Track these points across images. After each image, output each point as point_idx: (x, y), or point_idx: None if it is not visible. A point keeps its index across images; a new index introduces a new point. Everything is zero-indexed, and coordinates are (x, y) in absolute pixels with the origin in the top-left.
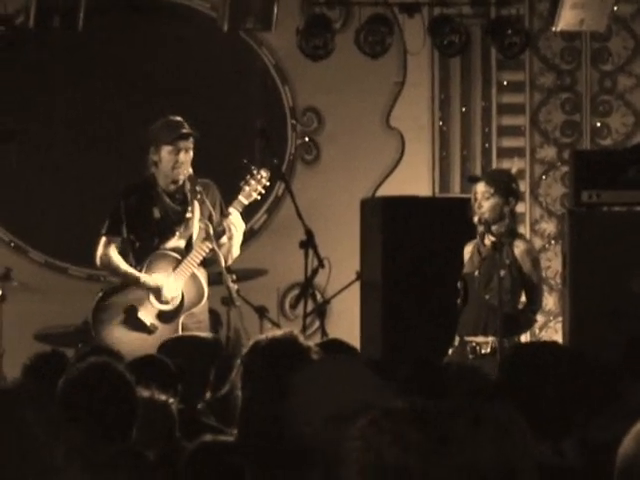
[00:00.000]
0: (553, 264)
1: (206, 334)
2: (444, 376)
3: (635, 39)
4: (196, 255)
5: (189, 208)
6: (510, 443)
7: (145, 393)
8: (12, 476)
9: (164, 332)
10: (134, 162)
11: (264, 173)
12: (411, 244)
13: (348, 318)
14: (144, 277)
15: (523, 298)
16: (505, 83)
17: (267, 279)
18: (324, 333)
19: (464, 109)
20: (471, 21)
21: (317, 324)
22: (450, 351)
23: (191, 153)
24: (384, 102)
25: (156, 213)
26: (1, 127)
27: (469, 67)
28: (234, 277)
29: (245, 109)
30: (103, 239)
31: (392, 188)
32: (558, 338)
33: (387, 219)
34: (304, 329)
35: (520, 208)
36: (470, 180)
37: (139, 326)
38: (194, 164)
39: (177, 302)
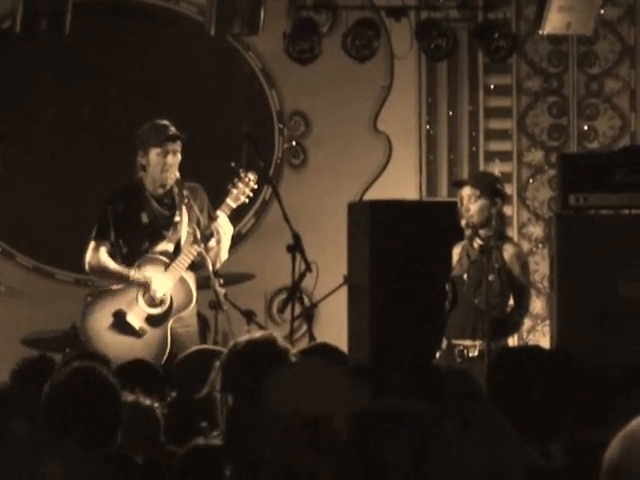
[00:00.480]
0: (540, 267)
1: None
2: (438, 379)
3: (622, 42)
4: (184, 259)
5: (177, 212)
6: (497, 445)
7: (130, 397)
8: None
9: (153, 336)
10: (122, 166)
11: (252, 176)
12: (398, 248)
13: (336, 322)
14: (134, 272)
15: (511, 302)
16: (492, 87)
17: (255, 283)
18: (312, 337)
19: (451, 113)
20: (458, 25)
21: (305, 328)
22: (438, 354)
23: (179, 156)
24: (371, 106)
25: (144, 218)
26: None
27: (456, 71)
28: (221, 281)
29: (232, 113)
30: (92, 243)
31: (379, 192)
32: (545, 341)
33: (374, 223)
34: (292, 333)
35: (507, 211)
36: (456, 184)
37: (128, 330)
38: (181, 168)
39: (166, 304)
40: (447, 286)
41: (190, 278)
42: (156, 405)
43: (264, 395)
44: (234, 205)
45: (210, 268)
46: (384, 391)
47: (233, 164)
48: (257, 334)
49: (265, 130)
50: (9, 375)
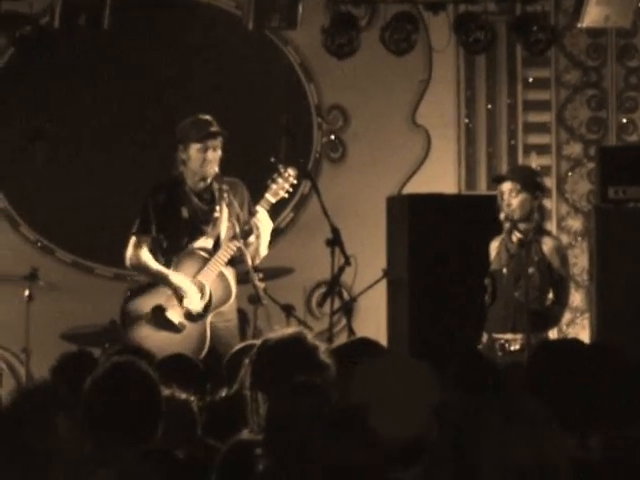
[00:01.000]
0: (580, 261)
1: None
2: (495, 371)
3: None
4: (223, 254)
5: (217, 207)
6: (544, 439)
7: (166, 392)
8: (40, 475)
9: (192, 331)
10: (163, 160)
11: (292, 171)
12: (437, 241)
13: (375, 316)
14: (172, 275)
15: (550, 295)
16: (531, 80)
17: (294, 277)
18: (351, 331)
19: (490, 106)
20: (496, 18)
21: (344, 322)
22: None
23: (219, 152)
24: (410, 100)
25: (184, 212)
26: (28, 126)
27: (494, 64)
28: (261, 276)
29: (271, 107)
30: (133, 239)
31: (418, 185)
32: (585, 334)
33: (413, 216)
34: (331, 327)
35: (547, 204)
36: (495, 180)
37: (167, 325)
38: (220, 163)
39: (205, 300)
40: (486, 280)
41: (230, 273)
42: (192, 399)
43: (351, 387)
44: (273, 200)
45: (249, 263)
46: None
47: (272, 159)
48: (287, 331)
49: (304, 124)
50: (49, 370)
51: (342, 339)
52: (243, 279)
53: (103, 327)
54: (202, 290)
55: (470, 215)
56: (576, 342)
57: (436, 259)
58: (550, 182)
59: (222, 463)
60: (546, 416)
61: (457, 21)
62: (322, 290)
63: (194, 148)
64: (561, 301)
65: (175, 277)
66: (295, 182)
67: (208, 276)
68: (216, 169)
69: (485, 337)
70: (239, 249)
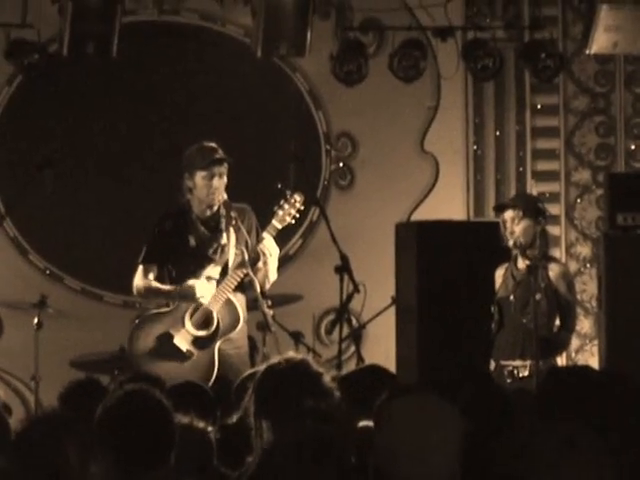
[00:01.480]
0: (589, 287)
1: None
2: (507, 398)
3: None
4: (231, 281)
5: (224, 234)
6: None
7: (184, 420)
8: None
9: (200, 358)
10: (170, 188)
11: (298, 197)
12: (446, 268)
13: (384, 343)
14: (178, 287)
15: (557, 321)
16: (539, 106)
17: (302, 304)
18: (360, 358)
19: (498, 133)
20: (505, 45)
21: (353, 349)
22: None
23: (225, 178)
24: (418, 126)
25: (191, 241)
26: (37, 154)
27: (503, 91)
28: (269, 302)
29: (279, 134)
30: (140, 267)
31: (427, 212)
32: (594, 361)
33: (422, 243)
34: (340, 354)
35: (555, 231)
36: (497, 209)
37: (175, 352)
38: (228, 189)
39: (212, 327)
40: (492, 308)
41: (238, 300)
42: (210, 429)
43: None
44: (280, 226)
45: (258, 289)
46: None
47: (279, 185)
48: (290, 357)
49: (312, 151)
50: (57, 398)
51: (351, 366)
52: (252, 306)
53: (112, 354)
54: (209, 317)
55: (479, 242)
56: (586, 369)
57: (445, 286)
58: (559, 209)
59: None
60: (601, 443)
61: (465, 48)
62: (331, 317)
63: (200, 175)
64: (568, 327)
65: (184, 284)
66: (302, 208)
67: (215, 303)
68: (224, 196)
69: (493, 364)
70: (247, 275)
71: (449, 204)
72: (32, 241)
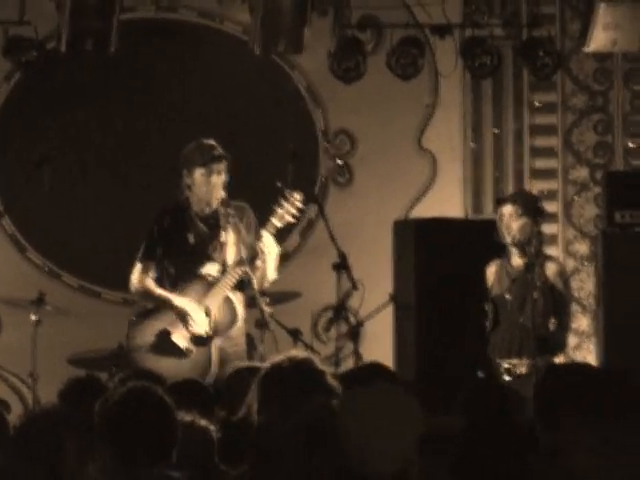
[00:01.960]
0: (586, 285)
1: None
2: (506, 397)
3: None
4: (229, 279)
5: (223, 232)
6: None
7: (187, 418)
8: None
9: (199, 355)
10: (168, 186)
11: (297, 196)
12: (444, 266)
13: (382, 340)
14: (176, 299)
15: (553, 319)
16: (537, 104)
17: (300, 302)
18: (358, 356)
19: (496, 130)
20: (503, 42)
21: (351, 346)
22: (481, 373)
23: (224, 176)
24: (416, 124)
25: (190, 238)
26: (34, 151)
27: (501, 88)
28: (268, 300)
29: (277, 132)
30: (138, 265)
31: (425, 210)
32: (591, 359)
33: (420, 241)
34: (337, 352)
35: (553, 229)
36: (497, 202)
37: (173, 349)
38: (228, 187)
39: (210, 325)
40: (486, 306)
41: (236, 298)
42: (212, 428)
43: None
44: (279, 224)
45: (256, 287)
46: (430, 408)
47: (279, 184)
48: (293, 355)
49: (310, 149)
50: (56, 395)
51: (349, 364)
52: (251, 303)
53: (110, 351)
54: (207, 314)
55: (476, 239)
56: (585, 366)
57: (443, 283)
58: (557, 206)
59: None
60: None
61: (463, 46)
62: (329, 314)
63: (198, 173)
64: (564, 325)
65: (179, 301)
66: (301, 206)
67: (214, 301)
68: (222, 193)
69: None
70: (245, 273)
71: (447, 201)
72: (30, 238)
